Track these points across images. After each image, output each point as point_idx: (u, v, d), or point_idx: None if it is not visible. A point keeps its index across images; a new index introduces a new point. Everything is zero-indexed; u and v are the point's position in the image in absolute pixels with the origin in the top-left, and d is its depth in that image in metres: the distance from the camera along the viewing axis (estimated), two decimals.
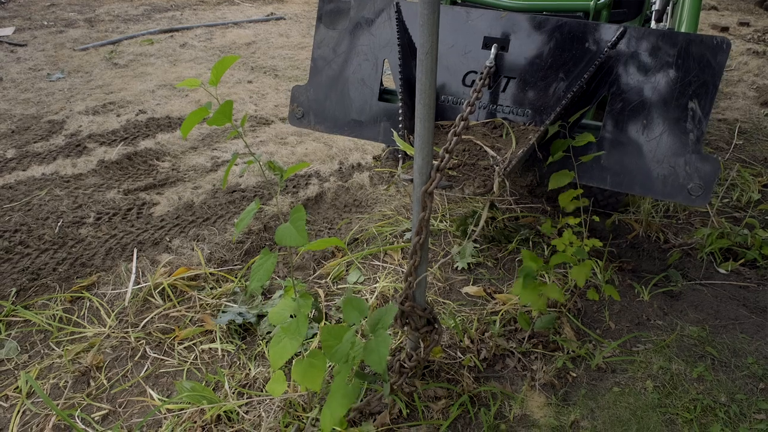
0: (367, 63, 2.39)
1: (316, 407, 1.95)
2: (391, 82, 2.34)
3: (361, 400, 1.96)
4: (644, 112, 2.00)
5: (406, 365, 1.91)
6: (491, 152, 2.00)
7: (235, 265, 2.80)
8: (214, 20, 7.70)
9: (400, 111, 2.10)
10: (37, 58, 5.97)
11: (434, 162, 1.67)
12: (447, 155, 1.67)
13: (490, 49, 2.18)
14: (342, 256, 2.85)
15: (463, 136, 2.09)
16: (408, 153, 1.83)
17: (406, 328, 1.89)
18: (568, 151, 2.11)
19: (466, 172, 1.97)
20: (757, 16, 8.00)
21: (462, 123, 1.73)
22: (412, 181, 1.74)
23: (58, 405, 2.04)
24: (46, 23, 7.32)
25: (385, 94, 2.41)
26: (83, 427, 1.95)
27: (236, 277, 2.69)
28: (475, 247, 2.89)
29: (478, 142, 2.07)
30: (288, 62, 6.13)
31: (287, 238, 1.54)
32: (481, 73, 2.08)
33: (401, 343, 2.24)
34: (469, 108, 1.80)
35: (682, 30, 2.60)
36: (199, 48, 6.51)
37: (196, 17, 7.90)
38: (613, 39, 2.00)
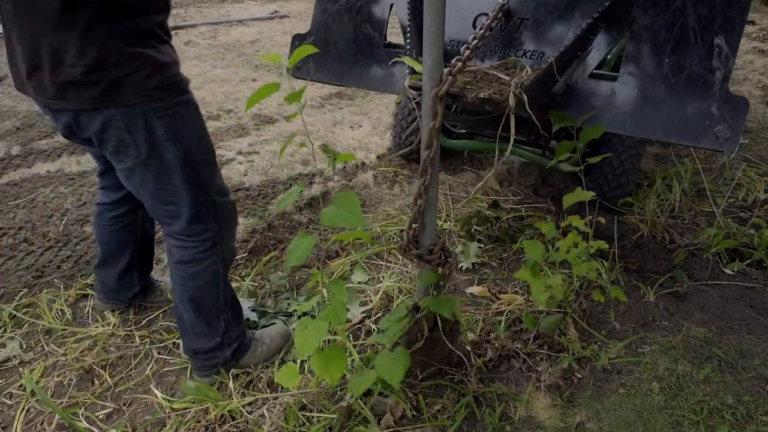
0: (374, 7, 2.28)
1: (325, 401, 1.94)
2: (397, 37, 2.28)
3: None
4: (667, 50, 1.86)
5: (418, 338, 1.89)
6: (506, 77, 1.90)
7: (240, 263, 2.80)
8: (218, 18, 7.69)
9: (408, 39, 2.04)
10: None
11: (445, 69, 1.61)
12: (460, 64, 1.60)
13: None
14: (346, 256, 2.84)
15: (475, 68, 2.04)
16: (416, 69, 1.73)
17: (415, 260, 1.82)
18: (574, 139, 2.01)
19: (480, 83, 1.89)
20: (763, 14, 7.95)
21: (475, 42, 1.70)
22: (419, 89, 1.64)
23: (62, 403, 2.04)
24: None
25: (390, 47, 2.30)
26: (87, 425, 1.95)
27: (240, 276, 2.69)
28: (479, 247, 2.88)
29: (492, 72, 1.97)
30: None
31: (340, 220, 1.45)
32: (494, 11, 1.99)
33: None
34: (482, 31, 1.76)
35: None
36: (203, 45, 6.51)
37: (200, 15, 7.90)
38: None
